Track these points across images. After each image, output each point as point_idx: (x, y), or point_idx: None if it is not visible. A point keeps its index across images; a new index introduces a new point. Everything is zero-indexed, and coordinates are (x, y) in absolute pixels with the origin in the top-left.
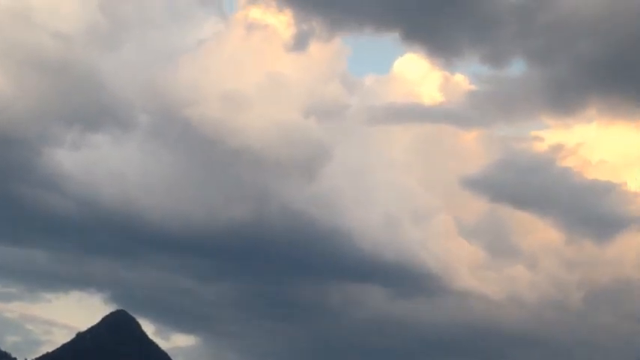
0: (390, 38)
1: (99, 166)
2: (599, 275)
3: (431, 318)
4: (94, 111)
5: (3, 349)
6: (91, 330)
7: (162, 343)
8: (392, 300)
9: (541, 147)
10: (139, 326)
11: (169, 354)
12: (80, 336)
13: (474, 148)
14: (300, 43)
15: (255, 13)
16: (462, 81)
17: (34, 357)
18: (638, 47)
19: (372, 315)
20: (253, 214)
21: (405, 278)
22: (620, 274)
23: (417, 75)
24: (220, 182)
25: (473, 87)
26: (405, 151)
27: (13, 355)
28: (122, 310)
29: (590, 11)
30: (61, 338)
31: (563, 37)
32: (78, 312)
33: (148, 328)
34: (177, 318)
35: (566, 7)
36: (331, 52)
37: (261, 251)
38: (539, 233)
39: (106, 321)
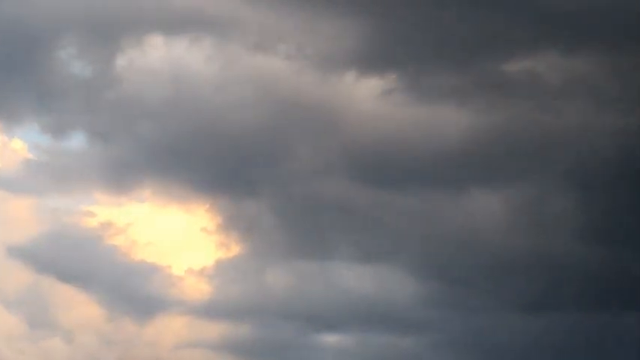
0: None
1: None
2: (137, 354)
3: None
4: None
5: None
6: None
7: None
8: None
9: (92, 223)
10: None
11: None
12: None
13: (24, 217)
14: None
15: None
16: (20, 148)
17: None
18: (196, 135)
19: None
20: None
21: None
22: (157, 354)
23: None
24: None
25: (31, 155)
26: None
27: None
28: None
29: (153, 95)
30: None
31: (126, 117)
32: None
33: None
34: None
35: (131, 88)
36: None
37: None
38: (82, 308)
39: None
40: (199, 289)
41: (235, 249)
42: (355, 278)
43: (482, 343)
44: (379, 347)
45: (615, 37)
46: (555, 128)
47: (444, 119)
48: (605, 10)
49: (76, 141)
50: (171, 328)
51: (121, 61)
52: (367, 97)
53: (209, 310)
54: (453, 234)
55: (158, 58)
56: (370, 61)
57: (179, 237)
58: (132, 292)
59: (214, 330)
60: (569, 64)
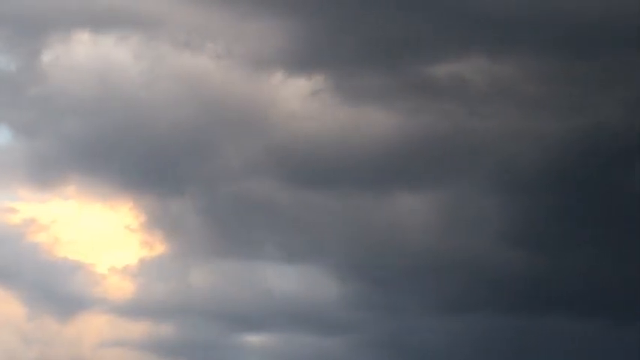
0: None
1: None
2: (58, 353)
3: None
4: None
5: None
6: None
7: None
8: None
9: (14, 219)
10: None
11: None
12: None
13: None
14: None
15: None
16: None
17: None
18: (122, 132)
19: None
20: None
21: None
22: (79, 353)
23: None
24: None
25: None
26: None
27: None
28: None
29: (79, 91)
30: None
31: (51, 113)
32: None
33: None
34: None
35: (57, 84)
36: None
37: None
38: (2, 306)
39: None
40: (122, 288)
41: (159, 248)
42: (280, 278)
43: (406, 344)
44: (303, 347)
45: (542, 43)
46: (481, 132)
47: (371, 121)
48: (532, 16)
49: (0, 136)
50: (93, 326)
51: (47, 57)
52: (295, 97)
53: (132, 309)
54: (378, 235)
55: (85, 55)
56: (298, 62)
57: (103, 235)
58: (54, 290)
59: (137, 329)
60: (496, 68)
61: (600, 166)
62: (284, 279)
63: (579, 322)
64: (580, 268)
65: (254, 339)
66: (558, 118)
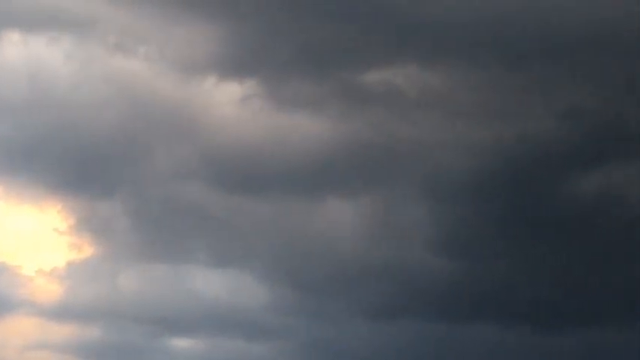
0: None
1: None
2: None
3: None
4: None
5: None
6: None
7: None
8: None
9: None
10: None
11: None
12: None
13: None
14: None
15: None
16: None
17: None
18: (52, 134)
19: None
20: None
21: None
22: (4, 356)
23: None
24: None
25: None
26: None
27: None
28: None
29: (9, 92)
30: None
31: None
32: None
33: None
34: None
35: None
36: None
37: None
38: None
39: None
40: (49, 291)
41: (88, 250)
42: (209, 283)
43: (334, 350)
44: (231, 352)
45: (473, 52)
46: (411, 139)
47: (302, 127)
48: (464, 25)
49: None
50: (19, 329)
51: None
52: (227, 102)
53: (59, 312)
54: (308, 241)
55: (15, 55)
56: (231, 66)
57: (30, 237)
58: None
59: (64, 332)
60: (427, 76)
61: (528, 175)
62: (213, 283)
63: (503, 330)
64: (506, 277)
65: (182, 343)
66: (488, 126)
